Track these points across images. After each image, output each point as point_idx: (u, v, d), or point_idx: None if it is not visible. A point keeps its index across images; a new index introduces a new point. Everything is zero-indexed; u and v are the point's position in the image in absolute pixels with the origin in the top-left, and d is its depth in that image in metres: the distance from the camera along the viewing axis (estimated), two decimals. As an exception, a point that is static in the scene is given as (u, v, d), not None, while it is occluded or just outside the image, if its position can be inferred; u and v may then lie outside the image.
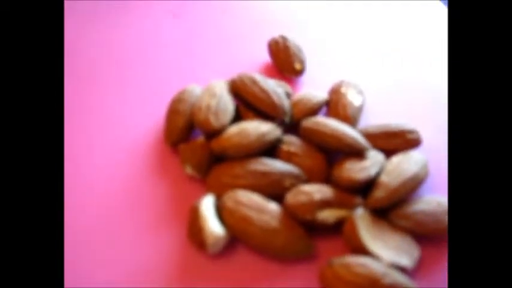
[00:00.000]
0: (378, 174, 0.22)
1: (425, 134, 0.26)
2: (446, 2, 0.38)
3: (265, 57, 0.30)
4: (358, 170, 0.22)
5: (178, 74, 0.29)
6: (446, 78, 0.29)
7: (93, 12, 0.34)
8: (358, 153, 0.22)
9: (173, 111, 0.25)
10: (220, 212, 0.21)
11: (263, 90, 0.24)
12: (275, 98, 0.24)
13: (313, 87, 0.28)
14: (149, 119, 0.27)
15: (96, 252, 0.21)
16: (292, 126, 0.25)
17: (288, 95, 0.26)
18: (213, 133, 0.23)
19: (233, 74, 0.26)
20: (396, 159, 0.23)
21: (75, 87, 0.29)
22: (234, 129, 0.23)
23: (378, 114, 0.27)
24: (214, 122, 0.23)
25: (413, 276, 0.21)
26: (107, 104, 0.28)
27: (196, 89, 0.25)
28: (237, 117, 0.25)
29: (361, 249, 0.20)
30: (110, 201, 0.23)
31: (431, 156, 0.25)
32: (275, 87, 0.24)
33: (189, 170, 0.23)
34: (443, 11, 0.33)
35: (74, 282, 0.20)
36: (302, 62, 0.28)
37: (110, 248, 0.22)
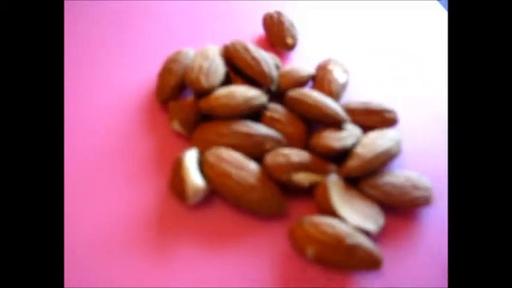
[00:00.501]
0: (353, 146, 0.23)
1: (401, 115, 0.27)
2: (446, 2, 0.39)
3: (259, 31, 0.31)
4: (335, 139, 0.23)
5: (175, 40, 0.30)
6: (440, 69, 0.30)
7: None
8: (337, 124, 0.24)
9: (167, 70, 0.26)
10: (202, 165, 0.22)
11: (254, 58, 0.25)
12: (264, 66, 0.25)
13: (301, 63, 0.29)
14: (143, 77, 0.28)
15: (82, 197, 0.23)
16: (277, 95, 0.26)
17: (277, 67, 0.27)
18: (202, 92, 0.24)
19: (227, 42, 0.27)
20: (372, 134, 0.24)
21: (73, 42, 0.30)
22: (222, 91, 0.24)
23: (360, 95, 0.28)
24: (205, 82, 0.24)
25: (377, 241, 0.22)
26: (104, 59, 0.29)
27: (190, 52, 0.27)
28: (227, 82, 0.26)
29: (330, 212, 0.22)
30: (98, 150, 0.24)
31: (405, 135, 0.26)
32: (266, 57, 0.26)
33: (176, 126, 0.24)
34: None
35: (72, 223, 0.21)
36: (294, 37, 0.29)
37: (95, 194, 0.23)
